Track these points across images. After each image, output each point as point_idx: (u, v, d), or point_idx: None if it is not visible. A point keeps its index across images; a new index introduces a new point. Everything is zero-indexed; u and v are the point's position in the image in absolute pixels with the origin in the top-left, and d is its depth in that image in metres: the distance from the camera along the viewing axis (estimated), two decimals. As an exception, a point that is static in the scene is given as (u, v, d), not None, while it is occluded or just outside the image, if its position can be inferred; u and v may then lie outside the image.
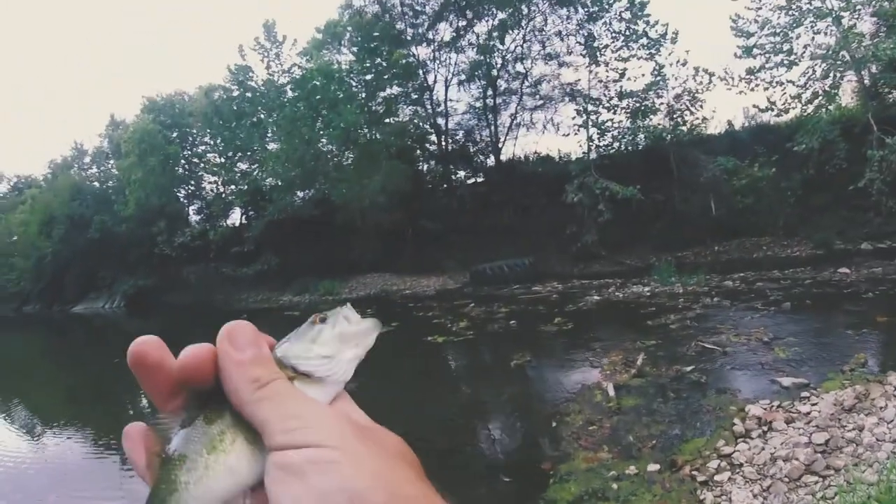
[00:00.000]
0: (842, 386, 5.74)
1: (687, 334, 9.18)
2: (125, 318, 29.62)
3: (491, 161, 31.55)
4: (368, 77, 28.05)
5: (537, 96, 30.01)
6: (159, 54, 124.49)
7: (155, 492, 0.48)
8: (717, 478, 4.42)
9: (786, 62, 20.76)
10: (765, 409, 5.50)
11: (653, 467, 4.77)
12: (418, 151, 31.34)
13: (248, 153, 31.98)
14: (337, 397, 0.54)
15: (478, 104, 31.10)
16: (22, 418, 11.00)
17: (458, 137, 32.43)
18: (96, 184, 42.11)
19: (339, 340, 0.55)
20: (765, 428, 5.10)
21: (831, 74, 19.98)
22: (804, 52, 20.62)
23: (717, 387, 6.59)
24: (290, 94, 28.07)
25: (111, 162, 41.35)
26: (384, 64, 28.03)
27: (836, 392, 5.48)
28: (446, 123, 31.40)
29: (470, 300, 17.08)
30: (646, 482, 4.56)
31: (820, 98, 20.19)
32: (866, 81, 20.83)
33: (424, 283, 23.57)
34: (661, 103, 23.85)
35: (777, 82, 21.15)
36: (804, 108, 20.64)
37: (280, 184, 29.03)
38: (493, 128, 30.78)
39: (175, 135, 35.66)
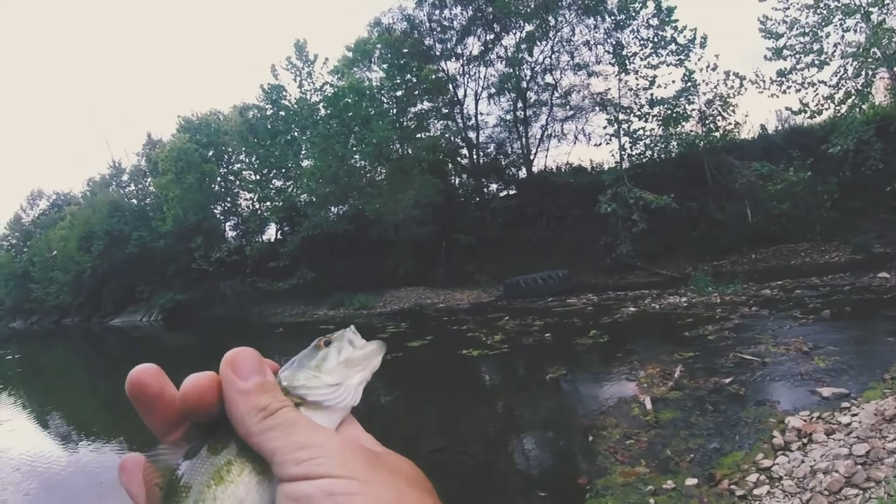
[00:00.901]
0: (882, 395, 5.65)
1: (725, 345, 9.09)
2: (163, 332, 30.07)
3: (523, 173, 31.77)
4: (399, 93, 28.49)
5: (567, 107, 30.15)
6: (194, 74, 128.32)
7: None
8: (755, 492, 4.38)
9: (816, 62, 20.46)
10: (804, 420, 5.45)
11: (691, 482, 4.74)
12: (450, 165, 31.69)
13: (283, 170, 32.50)
14: (344, 422, 0.54)
15: (508, 117, 31.43)
16: (61, 426, 11.31)
17: (489, 150, 32.80)
18: (134, 201, 43.10)
19: (346, 366, 0.55)
20: (805, 440, 5.06)
21: (863, 72, 19.64)
22: (835, 51, 20.38)
23: (755, 399, 6.51)
24: (322, 111, 28.51)
25: (148, 179, 42.37)
26: (414, 80, 28.44)
27: (877, 402, 5.40)
28: (477, 137, 31.79)
29: (504, 313, 17.04)
30: (683, 497, 4.53)
31: (853, 97, 19.84)
32: (899, 78, 20.45)
33: (458, 297, 23.63)
34: (693, 109, 23.69)
35: (809, 83, 20.88)
36: (837, 108, 20.34)
37: (314, 200, 29.49)
38: (524, 140, 30.99)
39: (211, 153, 36.40)
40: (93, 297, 40.66)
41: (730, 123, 23.54)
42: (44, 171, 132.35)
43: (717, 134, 23.17)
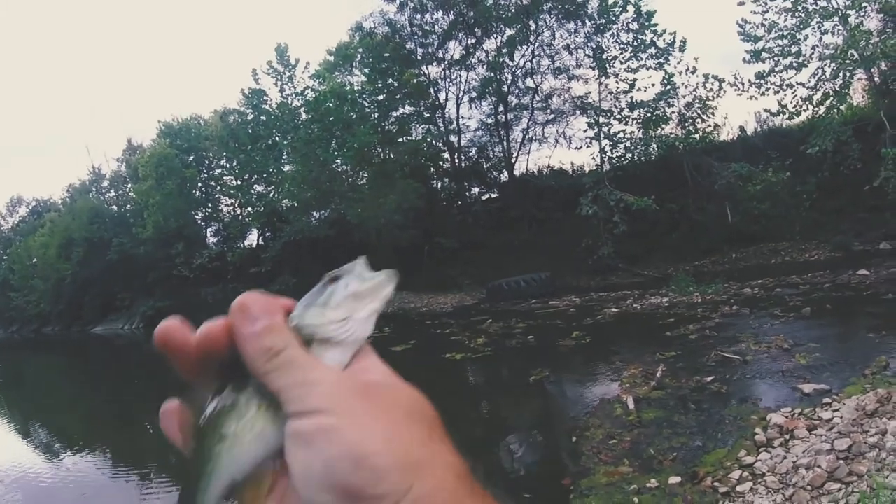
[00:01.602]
0: (863, 390, 5.68)
1: (707, 344, 9.13)
2: (144, 339, 30.02)
3: (504, 177, 31.80)
4: (381, 97, 28.43)
5: (548, 110, 30.27)
6: (175, 78, 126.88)
7: (191, 463, 0.51)
8: (738, 488, 4.38)
9: (795, 64, 20.72)
10: (786, 417, 5.47)
11: (674, 480, 4.74)
12: (432, 169, 31.66)
13: (265, 175, 32.31)
14: (358, 354, 0.54)
15: (489, 120, 31.50)
16: (43, 436, 11.29)
17: (471, 154, 32.80)
18: (114, 207, 42.82)
19: (353, 300, 0.54)
20: (787, 436, 5.07)
21: (841, 74, 19.90)
22: (813, 53, 20.61)
23: (738, 396, 6.55)
24: (304, 116, 28.34)
25: (129, 185, 41.97)
26: (396, 84, 28.43)
27: (858, 397, 5.43)
28: (459, 140, 31.82)
29: (487, 316, 17.04)
30: (667, 495, 4.54)
31: (831, 99, 20.08)
32: (876, 79, 20.84)
33: (441, 300, 23.58)
34: (673, 112, 23.84)
35: (787, 85, 21.11)
36: (816, 109, 20.53)
37: (296, 205, 29.39)
38: (505, 143, 31.03)
39: (191, 158, 36.27)
40: (73, 305, 40.31)
41: (709, 125, 23.71)
42: (23, 177, 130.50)
43: (696, 136, 23.24)
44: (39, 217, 50.78)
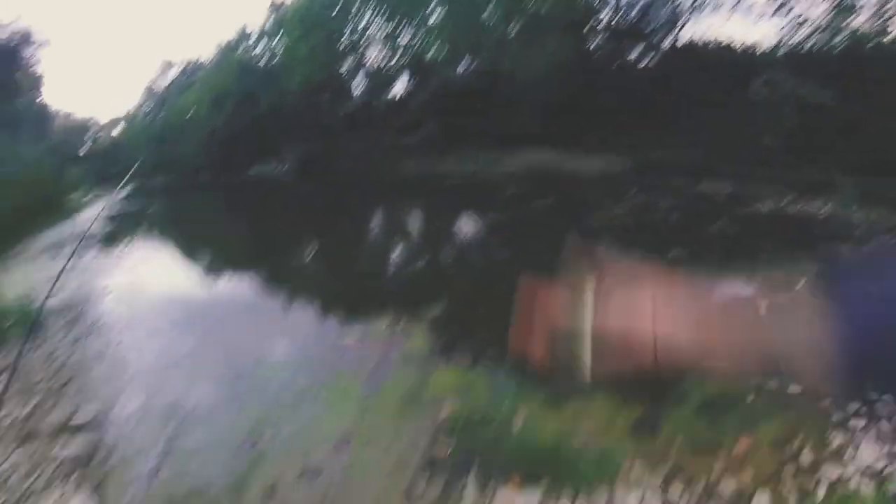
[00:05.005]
0: None
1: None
2: (293, 182, 32.45)
3: (667, 43, 28.97)
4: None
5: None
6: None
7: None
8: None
9: None
10: None
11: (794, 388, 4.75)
12: (588, 28, 29.64)
13: (414, 22, 31.54)
14: None
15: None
16: (204, 263, 12.91)
17: (631, 15, 29.97)
18: (261, 63, 43.26)
19: None
20: None
21: None
22: None
23: None
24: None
25: (275, 40, 41.93)
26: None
27: None
28: (619, -1, 29.13)
29: (632, 186, 16.53)
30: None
31: None
32: None
33: (585, 164, 22.85)
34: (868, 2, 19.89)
35: None
36: None
37: (444, 54, 29.21)
38: (671, 4, 28.13)
39: (336, 10, 35.56)
40: (225, 153, 42.70)
41: None
42: (173, 43, 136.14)
43: (885, 39, 19.55)
44: (191, 76, 52.85)
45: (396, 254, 12.45)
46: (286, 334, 6.77)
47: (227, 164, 43.06)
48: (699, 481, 3.44)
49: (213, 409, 4.86)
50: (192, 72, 55.02)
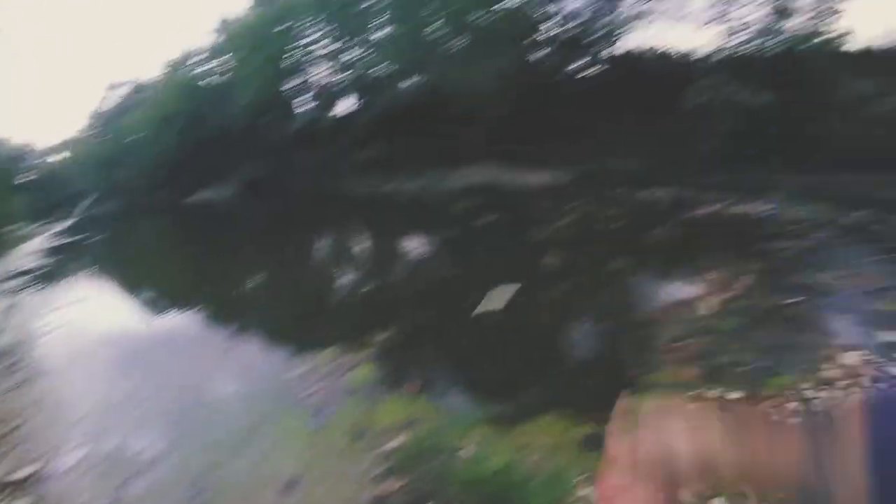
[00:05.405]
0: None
1: (794, 265, 8.77)
2: (241, 204, 31.77)
3: (606, 54, 29.64)
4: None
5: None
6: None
7: None
8: (790, 421, 4.43)
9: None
10: (856, 361, 5.38)
11: (733, 395, 4.61)
12: (530, 40, 29.91)
13: (360, 38, 31.62)
14: None
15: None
16: (145, 297, 12.39)
17: (572, 27, 30.29)
18: (208, 80, 43.21)
19: None
20: (850, 381, 5.04)
21: None
22: None
23: (813, 326, 6.28)
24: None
25: (222, 59, 42.04)
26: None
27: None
28: (561, 11, 29.51)
29: (575, 199, 16.66)
30: (721, 409, 4.57)
31: None
32: None
33: (530, 178, 23.14)
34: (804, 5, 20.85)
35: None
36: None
37: (390, 71, 28.99)
38: (611, 16, 28.65)
39: (283, 27, 35.84)
40: (172, 176, 42.56)
41: (835, 30, 20.70)
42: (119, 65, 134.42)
43: (823, 38, 20.61)
44: (137, 97, 52.66)
45: (343, 278, 12.21)
46: (230, 370, 6.72)
47: (173, 187, 42.67)
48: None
49: (158, 455, 4.73)
50: (137, 92, 54.70)
